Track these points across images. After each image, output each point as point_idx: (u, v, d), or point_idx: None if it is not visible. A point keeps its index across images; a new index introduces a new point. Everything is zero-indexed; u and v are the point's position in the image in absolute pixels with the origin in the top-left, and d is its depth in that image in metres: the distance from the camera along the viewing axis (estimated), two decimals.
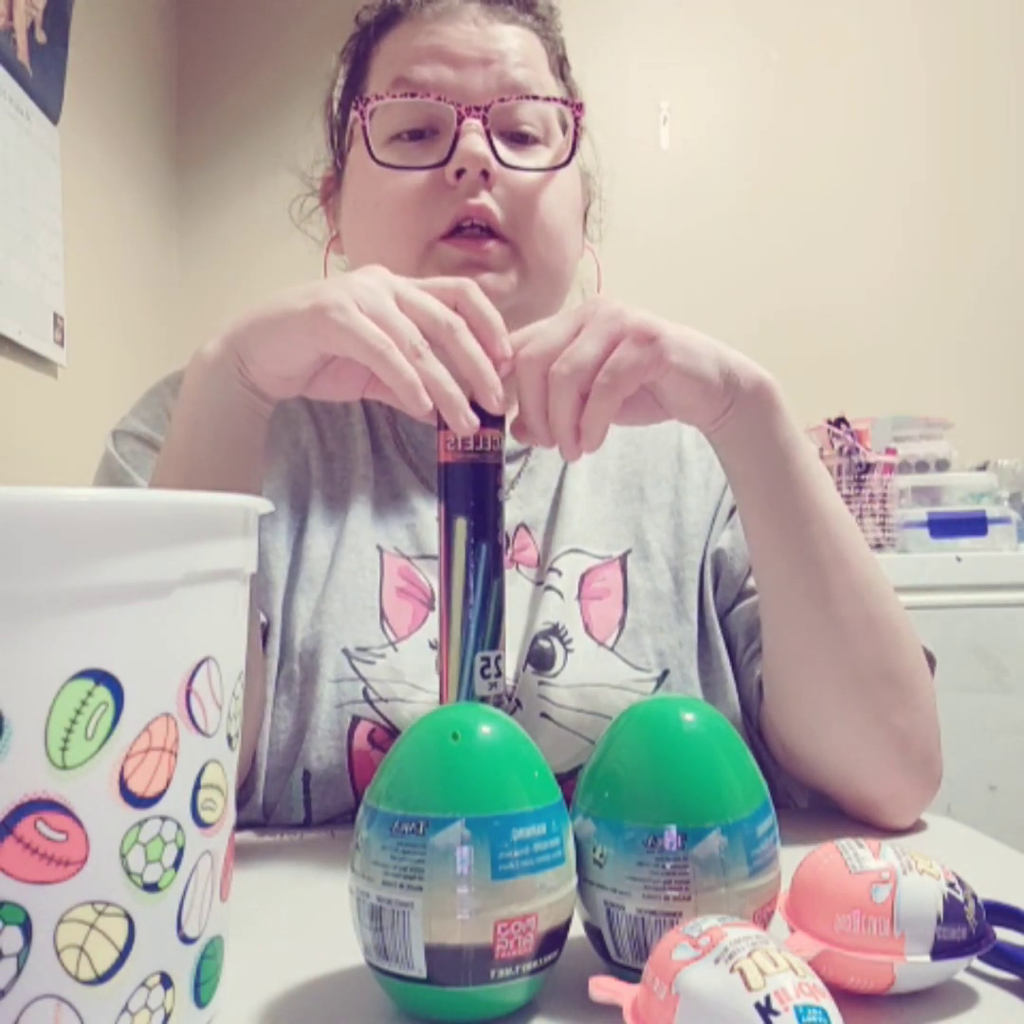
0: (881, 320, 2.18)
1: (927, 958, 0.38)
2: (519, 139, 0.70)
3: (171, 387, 0.73)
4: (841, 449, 1.71)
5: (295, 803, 0.65)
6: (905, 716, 0.61)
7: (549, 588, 0.70)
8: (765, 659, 0.66)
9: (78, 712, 0.30)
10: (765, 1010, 0.30)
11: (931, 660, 0.67)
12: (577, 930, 0.41)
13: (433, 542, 0.71)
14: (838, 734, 0.62)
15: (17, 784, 0.30)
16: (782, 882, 0.42)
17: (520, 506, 0.75)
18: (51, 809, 0.30)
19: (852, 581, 0.60)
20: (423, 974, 0.37)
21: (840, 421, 1.74)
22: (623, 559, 0.73)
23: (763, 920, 0.40)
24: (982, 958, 0.42)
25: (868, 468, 1.70)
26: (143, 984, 0.33)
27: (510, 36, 0.71)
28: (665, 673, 0.68)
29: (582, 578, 0.71)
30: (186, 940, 0.35)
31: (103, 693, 0.31)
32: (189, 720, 0.34)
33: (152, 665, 0.33)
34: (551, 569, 0.71)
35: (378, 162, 0.69)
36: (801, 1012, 0.30)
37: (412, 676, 0.65)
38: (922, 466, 1.76)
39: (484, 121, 0.67)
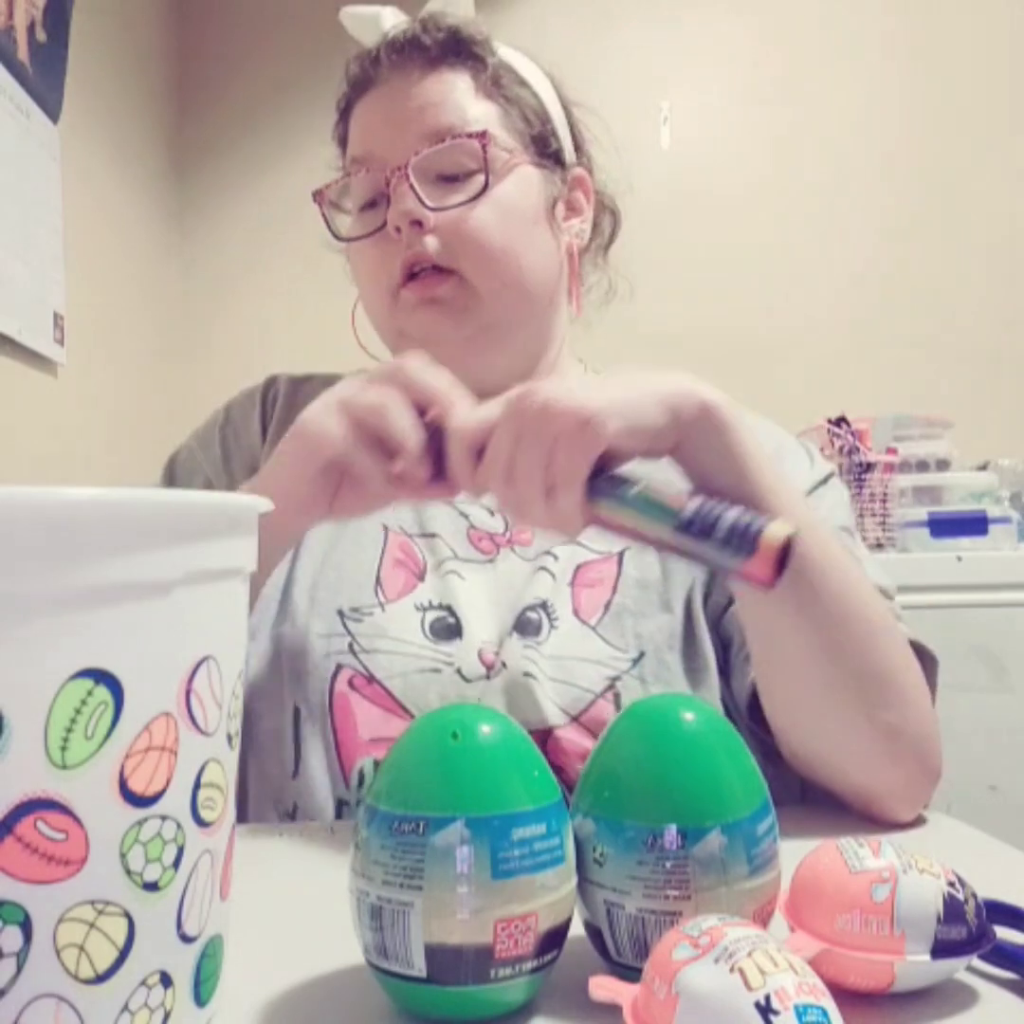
0: (882, 320, 2.18)
1: (927, 957, 0.38)
2: (449, 179, 0.76)
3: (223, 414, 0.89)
4: (841, 449, 1.71)
5: (286, 741, 0.71)
6: (893, 711, 0.62)
7: (543, 569, 0.74)
8: (753, 663, 0.68)
9: (78, 711, 0.30)
10: (765, 1010, 0.30)
11: (932, 659, 0.68)
12: (577, 930, 0.41)
13: (434, 521, 0.78)
14: (827, 731, 0.64)
15: (17, 783, 0.30)
16: (782, 881, 0.42)
17: None
18: (51, 808, 0.30)
19: (829, 585, 0.61)
20: (423, 974, 0.37)
21: (840, 421, 1.74)
22: (621, 554, 0.76)
23: (763, 919, 0.40)
24: (982, 957, 0.42)
25: (869, 468, 1.70)
26: (143, 983, 0.33)
27: (431, 85, 0.77)
28: (641, 654, 0.71)
29: (577, 568, 0.75)
30: (186, 939, 0.35)
31: (103, 692, 0.31)
32: (189, 719, 0.34)
33: (152, 664, 0.33)
34: (547, 552, 0.75)
35: (339, 238, 0.82)
36: (801, 1011, 0.30)
37: (395, 633, 0.72)
38: (922, 466, 1.76)
39: (407, 177, 0.75)
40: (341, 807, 0.68)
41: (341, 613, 0.73)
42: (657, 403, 0.56)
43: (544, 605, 0.72)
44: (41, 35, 1.58)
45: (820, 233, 2.20)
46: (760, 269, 2.19)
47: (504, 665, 0.70)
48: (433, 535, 0.77)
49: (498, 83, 0.79)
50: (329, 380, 0.88)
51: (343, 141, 0.85)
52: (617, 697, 0.69)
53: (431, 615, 0.73)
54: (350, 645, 0.72)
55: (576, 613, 0.73)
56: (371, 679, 0.70)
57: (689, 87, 2.24)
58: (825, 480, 0.78)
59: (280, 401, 0.86)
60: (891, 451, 1.74)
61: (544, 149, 0.80)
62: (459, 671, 0.70)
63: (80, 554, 0.30)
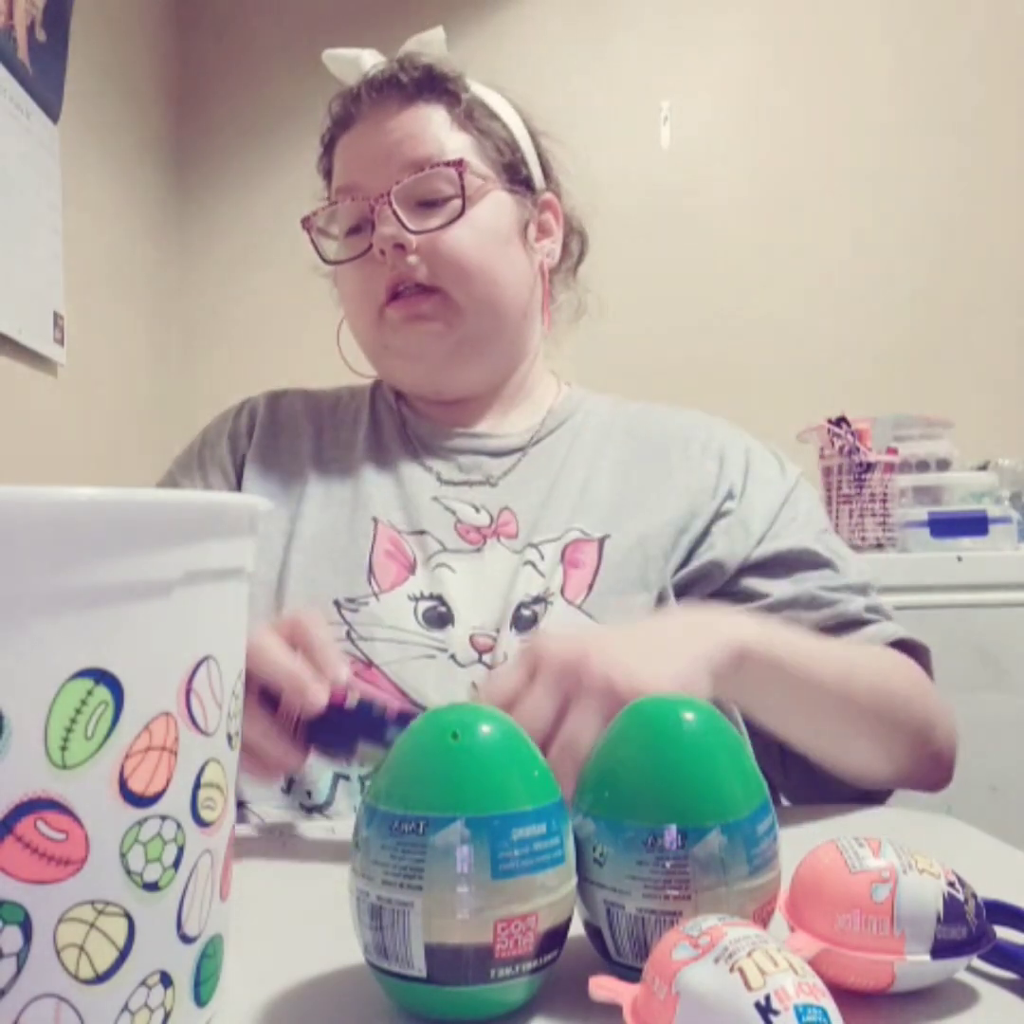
0: (882, 320, 2.17)
1: (927, 957, 0.38)
2: (428, 204, 0.82)
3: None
4: (841, 449, 1.71)
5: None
6: (933, 741, 0.71)
7: (529, 563, 0.78)
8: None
9: (78, 711, 0.30)
10: (765, 1010, 0.30)
11: (924, 650, 0.76)
12: (577, 930, 0.41)
13: (423, 520, 0.82)
14: (882, 772, 0.71)
15: (17, 783, 0.30)
16: (782, 881, 0.42)
17: (508, 493, 0.84)
18: (51, 808, 0.30)
19: (863, 705, 0.67)
20: (423, 973, 0.37)
21: (840, 421, 1.74)
22: (602, 542, 0.80)
23: (763, 919, 0.40)
24: (982, 957, 0.42)
25: (869, 468, 1.70)
26: (143, 983, 0.33)
27: (409, 119, 0.82)
28: None
29: (566, 548, 0.79)
30: (186, 939, 0.35)
31: (103, 692, 0.31)
32: (189, 719, 0.34)
33: (152, 664, 0.33)
34: (531, 545, 0.79)
35: (328, 262, 0.87)
36: (801, 1011, 0.30)
37: (390, 621, 0.76)
38: (923, 466, 1.76)
39: (389, 204, 0.80)
40: (337, 781, 0.73)
41: (337, 603, 0.77)
42: (707, 673, 0.59)
43: (537, 599, 0.77)
44: (41, 35, 1.58)
45: (821, 233, 2.20)
46: (761, 267, 2.19)
47: (506, 656, 0.74)
48: (422, 532, 0.81)
49: (471, 116, 0.84)
50: (308, 394, 0.94)
51: (328, 173, 0.90)
52: None
53: (423, 605, 0.77)
54: (348, 633, 0.76)
55: (563, 593, 0.77)
56: (370, 664, 0.75)
57: (689, 87, 2.24)
58: (796, 485, 0.84)
59: (261, 413, 0.91)
60: (891, 451, 1.74)
61: (515, 176, 0.86)
62: (453, 657, 0.75)
63: (80, 554, 0.30)
